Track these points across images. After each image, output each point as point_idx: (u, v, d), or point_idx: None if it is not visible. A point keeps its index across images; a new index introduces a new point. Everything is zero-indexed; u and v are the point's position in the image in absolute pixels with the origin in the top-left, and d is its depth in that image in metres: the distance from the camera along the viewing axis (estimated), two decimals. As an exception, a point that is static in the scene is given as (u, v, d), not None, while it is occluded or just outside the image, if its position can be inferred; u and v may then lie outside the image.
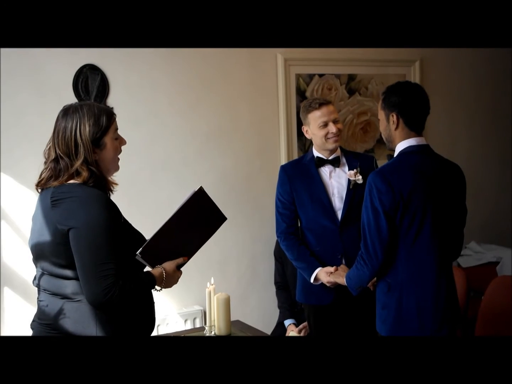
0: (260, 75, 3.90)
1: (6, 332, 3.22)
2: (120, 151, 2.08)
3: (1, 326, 3.23)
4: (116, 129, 2.05)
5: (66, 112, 1.99)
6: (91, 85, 3.41)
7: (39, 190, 2.05)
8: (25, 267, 3.22)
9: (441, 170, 2.36)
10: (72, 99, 3.32)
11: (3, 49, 3.15)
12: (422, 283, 2.31)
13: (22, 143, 3.25)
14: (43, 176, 2.02)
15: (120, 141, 2.07)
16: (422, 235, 2.29)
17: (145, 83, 3.57)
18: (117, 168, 2.10)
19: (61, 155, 1.97)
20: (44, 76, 3.30)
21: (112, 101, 3.44)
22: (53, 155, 1.99)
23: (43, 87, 3.30)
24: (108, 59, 3.45)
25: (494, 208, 4.76)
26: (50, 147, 2.01)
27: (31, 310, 3.16)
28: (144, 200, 3.56)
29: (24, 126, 3.26)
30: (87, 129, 1.95)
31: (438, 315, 2.32)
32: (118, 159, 2.08)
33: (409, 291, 2.32)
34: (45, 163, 2.03)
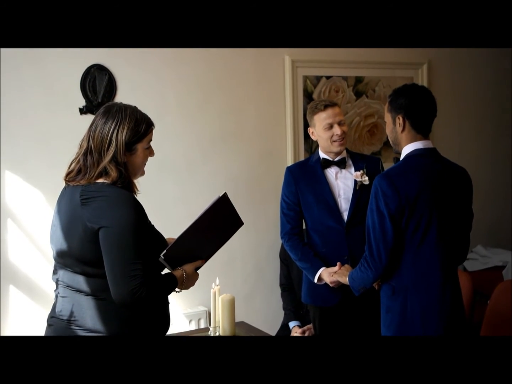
0: (267, 76, 3.90)
1: (11, 330, 3.23)
2: (147, 160, 2.12)
3: (6, 323, 3.24)
4: (150, 140, 2.09)
5: (109, 109, 2.04)
6: (98, 85, 3.41)
7: (67, 185, 2.07)
8: (30, 266, 3.23)
9: (447, 174, 2.35)
10: (79, 99, 3.35)
11: (11, 51, 3.17)
12: (427, 287, 2.30)
13: (30, 143, 3.26)
14: (72, 167, 2.05)
15: (150, 152, 2.11)
16: (428, 239, 2.28)
17: (152, 83, 3.57)
18: (143, 172, 2.14)
19: (93, 148, 2.00)
20: (52, 76, 3.31)
21: (119, 101, 3.42)
22: (85, 147, 2.02)
23: (50, 87, 3.31)
24: (115, 59, 3.46)
25: (501, 212, 4.73)
26: (84, 139, 2.04)
27: (36, 308, 3.20)
28: (149, 202, 3.55)
29: (32, 126, 3.27)
30: (125, 131, 2.00)
31: (443, 320, 2.30)
32: (145, 164, 2.12)
33: (414, 295, 2.30)
34: (77, 153, 2.05)
